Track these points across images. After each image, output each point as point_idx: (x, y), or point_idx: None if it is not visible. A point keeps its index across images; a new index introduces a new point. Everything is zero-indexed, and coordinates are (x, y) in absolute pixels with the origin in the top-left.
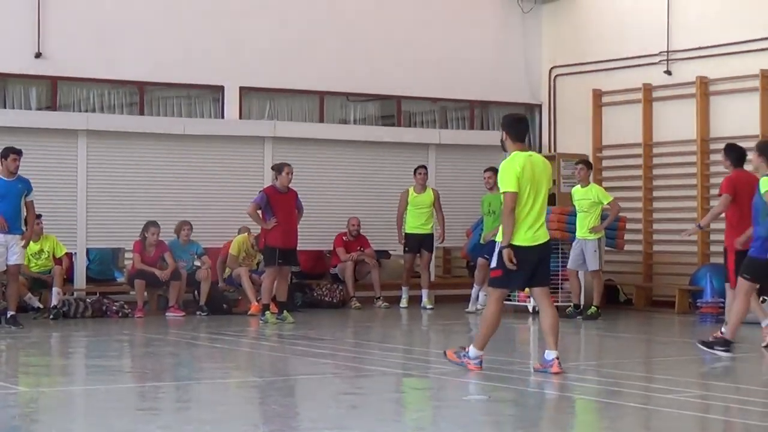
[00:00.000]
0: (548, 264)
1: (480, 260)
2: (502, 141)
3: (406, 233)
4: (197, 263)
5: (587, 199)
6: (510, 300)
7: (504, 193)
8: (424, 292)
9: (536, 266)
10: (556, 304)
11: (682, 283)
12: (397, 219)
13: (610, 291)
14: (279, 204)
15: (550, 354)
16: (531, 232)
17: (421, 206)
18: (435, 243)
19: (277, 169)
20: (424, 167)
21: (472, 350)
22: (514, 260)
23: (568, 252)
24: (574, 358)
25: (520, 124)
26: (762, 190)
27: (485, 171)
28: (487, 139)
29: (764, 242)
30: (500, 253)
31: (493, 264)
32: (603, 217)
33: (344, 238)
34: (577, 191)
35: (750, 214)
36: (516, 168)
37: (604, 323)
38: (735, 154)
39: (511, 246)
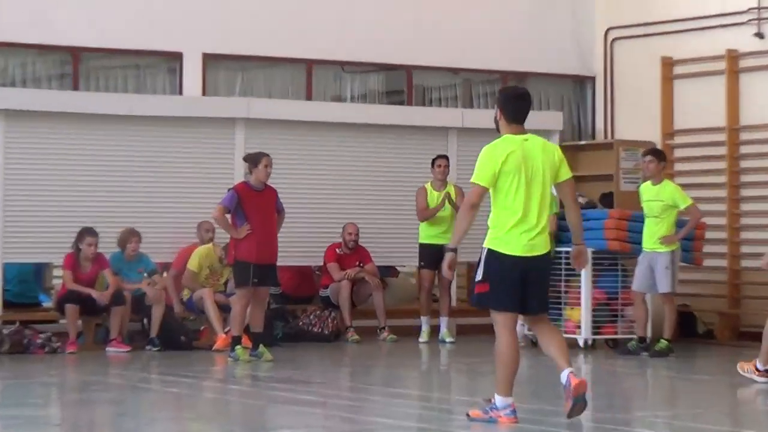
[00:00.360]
0: (547, 284)
1: None
2: (495, 120)
3: (421, 244)
4: (144, 286)
5: (659, 200)
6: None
7: (471, 183)
8: (443, 321)
9: (530, 285)
10: (614, 336)
11: None
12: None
13: (686, 320)
14: (254, 206)
15: (565, 371)
16: (525, 239)
17: (442, 212)
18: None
19: (252, 160)
20: (445, 157)
21: (499, 399)
22: (480, 272)
23: (630, 269)
24: (640, 406)
25: (519, 102)
26: None
27: None
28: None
29: None
30: (485, 261)
31: (479, 276)
32: (679, 225)
33: (338, 250)
34: (647, 189)
35: None
36: (496, 156)
37: (677, 361)
38: None
39: (493, 253)
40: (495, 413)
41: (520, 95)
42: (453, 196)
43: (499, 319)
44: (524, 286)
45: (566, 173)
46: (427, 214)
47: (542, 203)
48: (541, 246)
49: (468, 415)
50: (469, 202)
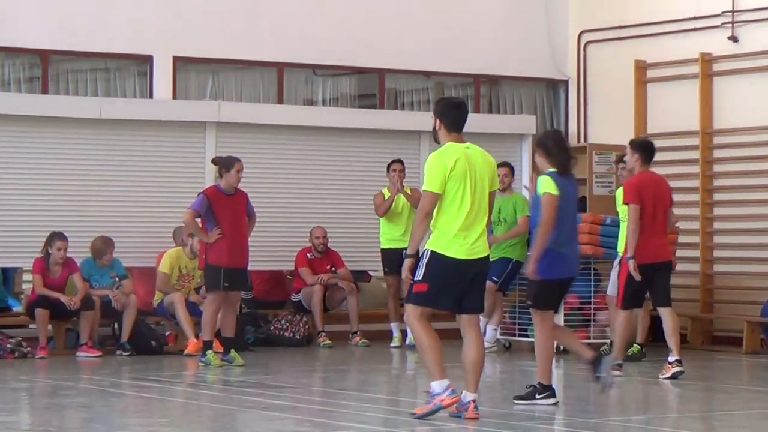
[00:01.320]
0: (484, 285)
1: (487, 284)
2: (434, 130)
3: (382, 249)
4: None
5: None
6: (527, 336)
7: (423, 191)
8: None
9: (470, 286)
10: (588, 340)
11: (751, 314)
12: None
13: (658, 324)
14: (224, 210)
15: (467, 396)
16: (467, 243)
17: (402, 213)
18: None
19: (225, 164)
20: (400, 162)
21: (436, 384)
22: (421, 272)
23: (604, 273)
24: (614, 412)
25: (458, 111)
26: None
27: (498, 167)
28: (497, 125)
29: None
30: (428, 263)
31: (419, 276)
32: None
33: (309, 255)
34: (621, 194)
35: None
36: (445, 162)
37: (649, 366)
38: None
39: (438, 256)
40: (438, 399)
41: (457, 104)
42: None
43: (416, 313)
44: (463, 287)
45: (495, 184)
46: (384, 207)
47: (484, 209)
48: (482, 250)
49: (413, 414)
50: (423, 210)
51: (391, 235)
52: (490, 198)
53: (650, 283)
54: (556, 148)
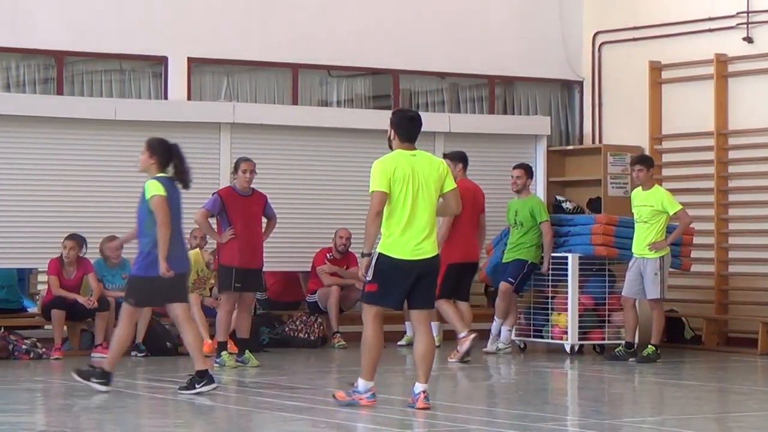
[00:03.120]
0: (433, 284)
1: (502, 285)
2: (389, 139)
3: None
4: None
5: (648, 205)
6: (542, 337)
7: (371, 193)
8: (435, 326)
9: (416, 284)
10: (602, 342)
11: (766, 315)
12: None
13: (674, 325)
14: (237, 210)
15: (418, 387)
16: (412, 244)
17: None
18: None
19: (235, 165)
20: None
21: (361, 384)
22: (371, 272)
23: (618, 274)
24: (627, 412)
25: (411, 124)
26: None
27: (514, 168)
28: (511, 126)
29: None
30: (376, 264)
31: (369, 276)
32: (670, 231)
33: (328, 255)
34: (637, 195)
35: None
36: (387, 165)
37: (664, 367)
38: None
39: (383, 257)
40: (357, 396)
41: (411, 117)
42: None
43: (372, 313)
44: (411, 286)
45: (450, 185)
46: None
47: (429, 212)
48: (428, 250)
49: (334, 396)
50: (373, 210)
51: None
52: (449, 198)
53: (461, 279)
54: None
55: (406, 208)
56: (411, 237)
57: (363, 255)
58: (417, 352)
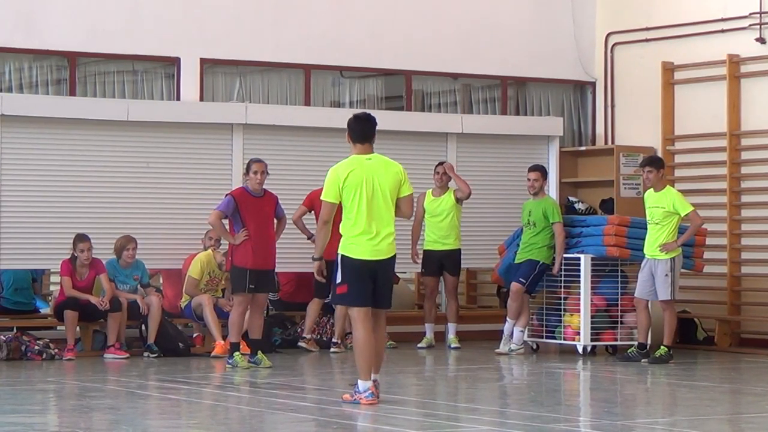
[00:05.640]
0: (389, 283)
1: (514, 285)
2: (348, 142)
3: (423, 250)
4: (140, 292)
5: (660, 207)
6: (554, 338)
7: (321, 200)
8: (451, 327)
9: (376, 284)
10: (614, 342)
11: None
12: (413, 231)
13: (686, 326)
14: (250, 211)
15: (366, 383)
16: (370, 245)
17: (441, 214)
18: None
19: (247, 166)
20: (440, 163)
21: (360, 384)
22: (339, 275)
23: (631, 275)
24: (639, 413)
25: (358, 124)
26: None
27: (530, 171)
28: (524, 127)
29: None
30: (341, 266)
31: (338, 279)
32: (682, 232)
33: None
34: (650, 196)
35: None
36: (339, 175)
37: (677, 368)
38: None
39: (346, 258)
40: (357, 396)
41: (358, 118)
42: (452, 200)
43: (356, 315)
44: (371, 285)
45: (405, 190)
46: (414, 229)
47: (385, 214)
48: (385, 251)
49: (342, 398)
50: (322, 218)
51: (433, 236)
52: (403, 203)
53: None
54: None
55: (361, 211)
56: (368, 239)
57: (313, 259)
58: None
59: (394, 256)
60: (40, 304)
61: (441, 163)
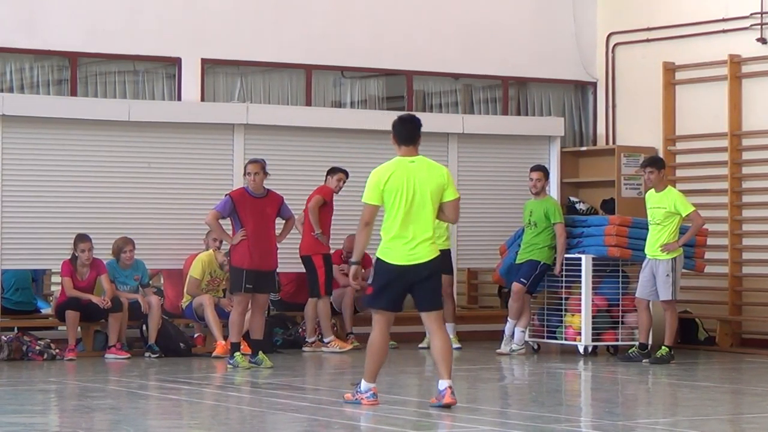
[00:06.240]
0: (433, 286)
1: (515, 286)
2: (394, 144)
3: None
4: (141, 292)
5: (661, 207)
6: (555, 338)
7: (363, 203)
8: (449, 327)
9: (416, 288)
10: (615, 343)
11: None
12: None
13: (687, 326)
14: (249, 211)
15: (443, 383)
16: (406, 250)
17: None
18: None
19: (244, 167)
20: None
21: (363, 384)
22: (371, 276)
23: (632, 275)
24: (640, 413)
25: (402, 125)
26: None
27: (532, 170)
28: (525, 127)
29: None
30: (374, 269)
31: (370, 281)
32: (683, 232)
33: (343, 256)
34: (651, 196)
35: None
36: (380, 177)
37: (678, 368)
38: None
39: (380, 261)
40: (359, 396)
41: (404, 120)
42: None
43: (377, 317)
44: (412, 290)
45: (450, 195)
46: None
47: (425, 218)
48: (422, 255)
49: (344, 397)
50: (363, 221)
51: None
52: (448, 207)
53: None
54: None
55: (398, 215)
56: (404, 243)
57: (351, 263)
58: (435, 351)
59: (437, 257)
60: (41, 305)
61: None
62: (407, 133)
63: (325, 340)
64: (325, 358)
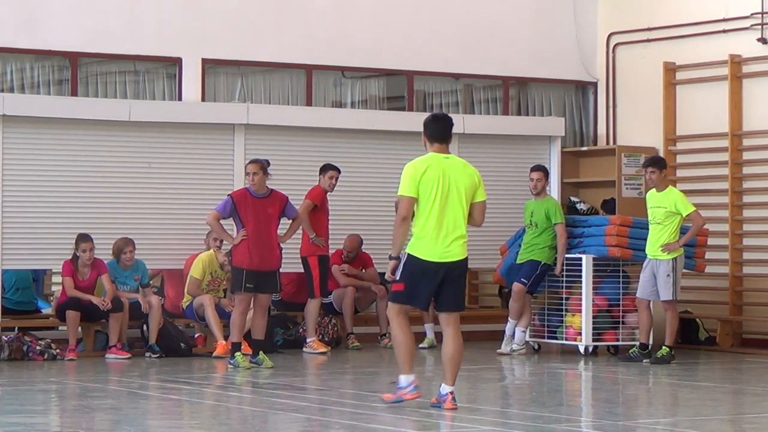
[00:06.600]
0: (460, 287)
1: (516, 286)
2: (424, 143)
3: None
4: (141, 292)
5: (662, 207)
6: (556, 338)
7: (399, 197)
8: (427, 328)
9: (445, 286)
10: (616, 343)
11: None
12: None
13: (688, 326)
14: (249, 211)
15: (446, 388)
16: (441, 247)
17: None
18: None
19: (245, 168)
20: None
21: (402, 379)
22: (398, 272)
23: (633, 275)
24: (641, 414)
25: (435, 123)
26: None
27: (532, 170)
28: (525, 127)
29: None
30: (404, 264)
31: (397, 276)
32: (684, 232)
33: (343, 256)
34: (652, 196)
35: None
36: (416, 170)
37: (678, 368)
38: None
39: (412, 257)
40: (401, 392)
41: (436, 117)
42: None
43: (394, 309)
44: (439, 287)
45: (480, 196)
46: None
47: (458, 215)
48: (455, 253)
49: (382, 399)
50: (401, 215)
51: None
52: (476, 209)
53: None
54: None
55: (434, 210)
56: (440, 239)
57: (390, 258)
58: (445, 353)
59: (466, 258)
60: (41, 305)
61: None
62: (441, 131)
63: (308, 340)
64: (325, 358)
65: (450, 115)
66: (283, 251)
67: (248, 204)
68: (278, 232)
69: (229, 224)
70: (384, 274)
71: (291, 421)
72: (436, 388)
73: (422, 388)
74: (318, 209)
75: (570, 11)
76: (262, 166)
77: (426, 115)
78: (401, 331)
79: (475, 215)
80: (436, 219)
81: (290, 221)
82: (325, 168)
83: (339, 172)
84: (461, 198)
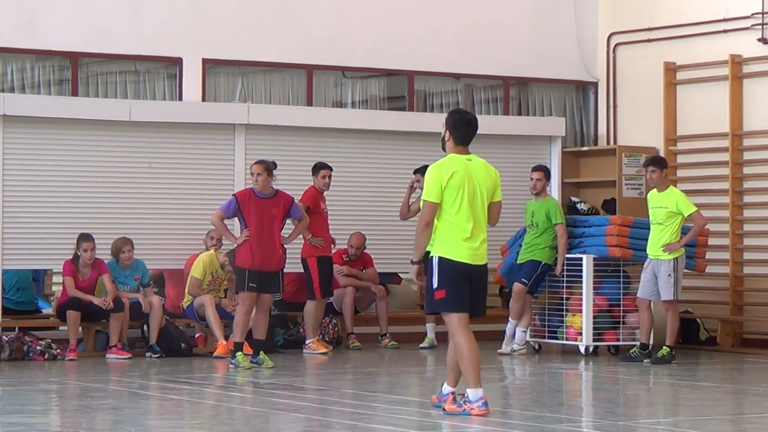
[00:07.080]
0: (485, 290)
1: (517, 286)
2: (443, 139)
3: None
4: (142, 292)
5: (663, 207)
6: (556, 338)
7: (423, 201)
8: (428, 327)
9: (473, 291)
10: (616, 343)
11: None
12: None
13: (688, 326)
14: (253, 212)
15: (447, 389)
16: (471, 249)
17: None
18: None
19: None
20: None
21: (471, 392)
22: (435, 279)
23: (633, 275)
24: (641, 414)
25: (468, 127)
26: None
27: (533, 170)
28: (526, 127)
29: None
30: (439, 269)
31: (435, 284)
32: (685, 232)
33: (344, 257)
34: (653, 196)
35: None
36: (443, 174)
37: (679, 368)
38: None
39: (446, 261)
40: (468, 406)
41: (469, 121)
42: None
43: (455, 320)
44: (470, 289)
45: (497, 196)
46: (401, 213)
47: (483, 217)
48: (483, 256)
49: (444, 409)
50: (424, 220)
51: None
52: (493, 209)
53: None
54: None
55: (462, 213)
56: (469, 242)
57: (413, 262)
58: (451, 357)
59: (486, 264)
60: (42, 305)
61: (417, 170)
62: (469, 135)
63: (307, 342)
64: (326, 358)
65: None
66: (286, 252)
67: (252, 204)
68: (283, 233)
69: (232, 225)
70: (384, 274)
71: (291, 421)
72: (437, 388)
73: (424, 387)
74: (312, 210)
75: (570, 11)
76: (267, 167)
77: (426, 114)
78: (466, 343)
79: (491, 215)
80: (465, 222)
81: (296, 222)
82: (317, 167)
83: (331, 169)
84: (484, 200)
